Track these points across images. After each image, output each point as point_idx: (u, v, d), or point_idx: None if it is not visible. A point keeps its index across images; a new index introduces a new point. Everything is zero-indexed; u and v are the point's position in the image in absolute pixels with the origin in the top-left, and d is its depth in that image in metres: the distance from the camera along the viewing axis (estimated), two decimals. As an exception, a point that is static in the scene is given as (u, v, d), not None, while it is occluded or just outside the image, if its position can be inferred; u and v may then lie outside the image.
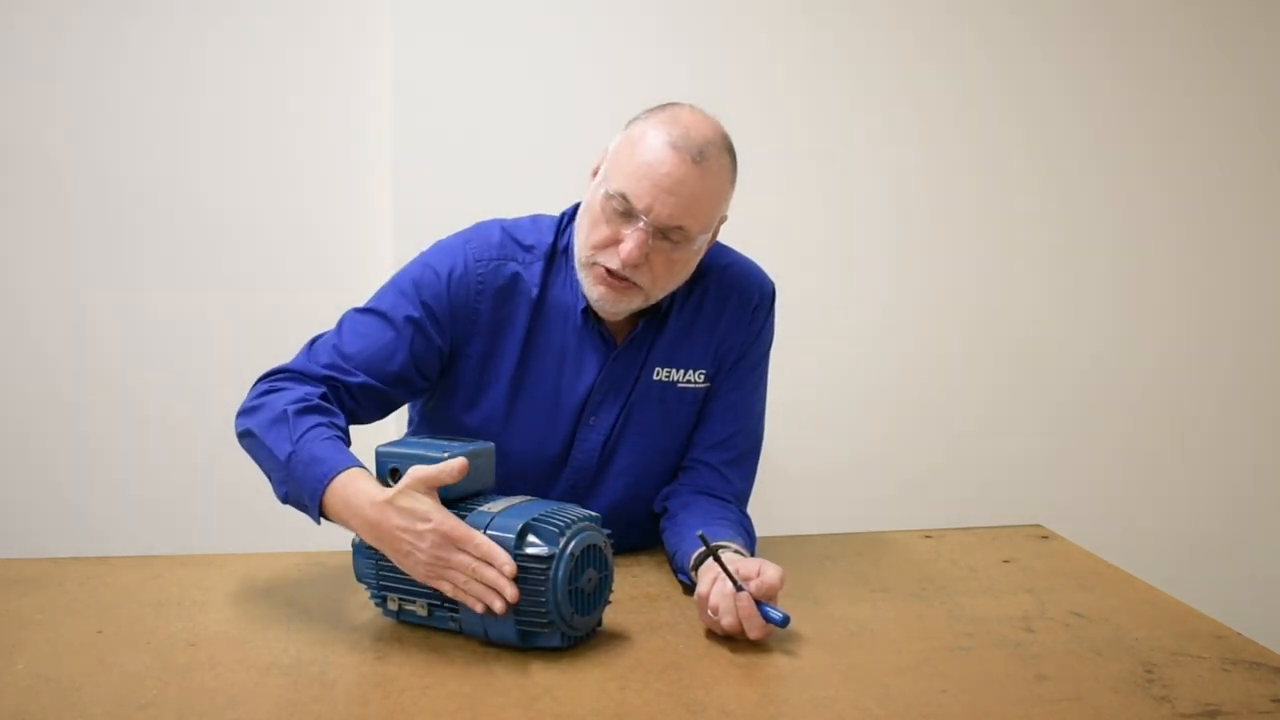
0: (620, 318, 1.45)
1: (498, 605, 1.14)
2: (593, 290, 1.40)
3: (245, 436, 1.34)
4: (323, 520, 1.25)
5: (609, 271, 1.37)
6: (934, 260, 2.36)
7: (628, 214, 1.34)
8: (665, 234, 1.35)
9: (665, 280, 1.40)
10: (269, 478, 1.31)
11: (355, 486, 1.21)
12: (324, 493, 1.22)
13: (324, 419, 1.30)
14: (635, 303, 1.41)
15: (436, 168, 2.15)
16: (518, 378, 1.46)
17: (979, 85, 2.33)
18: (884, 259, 2.34)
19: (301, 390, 1.34)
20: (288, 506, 1.30)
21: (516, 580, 1.15)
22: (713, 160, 1.35)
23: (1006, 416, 2.42)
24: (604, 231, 1.37)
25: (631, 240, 1.34)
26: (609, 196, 1.35)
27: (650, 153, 1.33)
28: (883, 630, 1.28)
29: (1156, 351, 2.46)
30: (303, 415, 1.29)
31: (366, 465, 1.26)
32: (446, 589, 1.17)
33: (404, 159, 2.14)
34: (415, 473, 1.18)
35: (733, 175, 1.41)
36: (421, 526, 1.15)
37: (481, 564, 1.14)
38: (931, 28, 2.30)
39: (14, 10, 2.08)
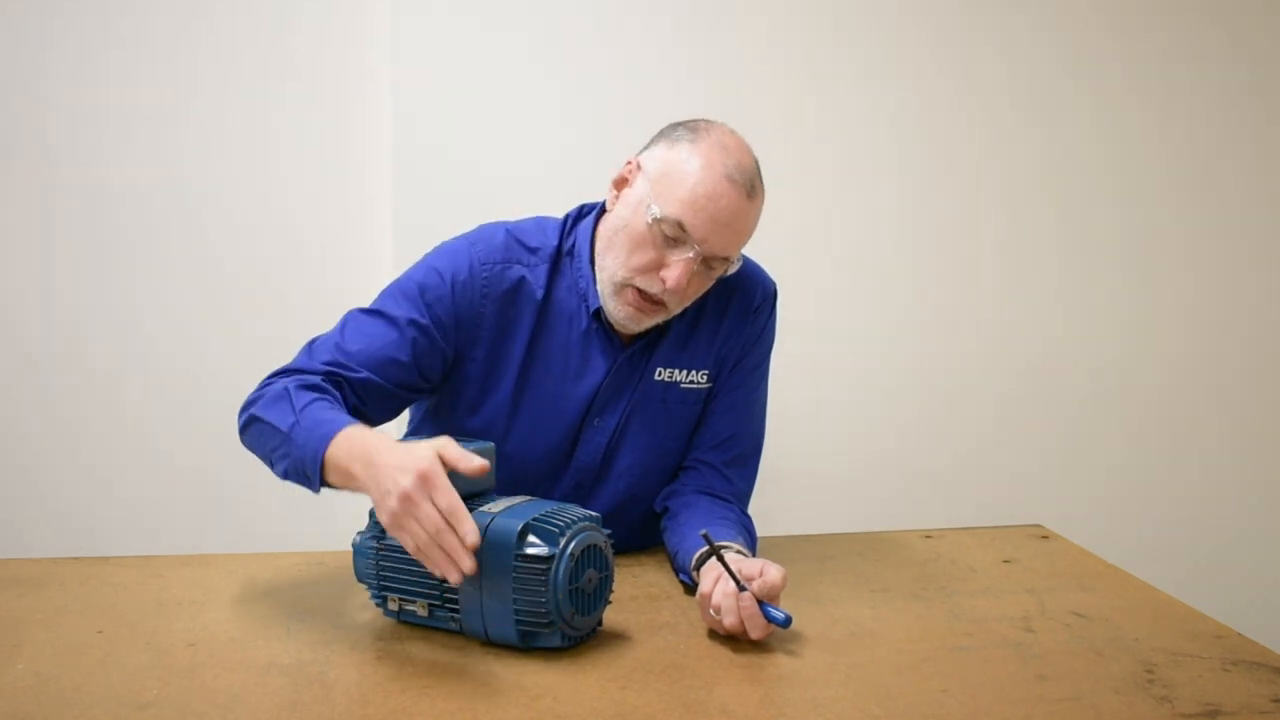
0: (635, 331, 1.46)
1: (453, 576, 1.10)
2: (620, 310, 1.40)
3: (248, 425, 1.31)
4: (321, 489, 1.21)
5: (642, 295, 1.38)
6: (936, 263, 2.36)
7: (678, 241, 1.35)
8: (710, 263, 1.37)
9: (690, 300, 1.42)
10: (269, 459, 1.28)
11: (362, 432, 1.19)
12: (329, 446, 1.18)
13: (327, 397, 1.29)
14: (657, 320, 1.42)
15: (436, 169, 2.14)
16: (522, 380, 1.45)
17: (992, 93, 2.33)
18: (887, 261, 2.34)
19: (301, 377, 1.33)
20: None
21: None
22: (759, 191, 1.38)
23: (1007, 418, 2.42)
24: (650, 255, 1.36)
25: (680, 268, 1.34)
26: (659, 221, 1.34)
27: (708, 185, 1.33)
28: (883, 630, 1.28)
29: (1157, 355, 2.46)
30: (304, 390, 1.28)
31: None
32: (408, 543, 1.11)
33: (404, 160, 2.14)
34: (437, 442, 1.14)
35: None
36: (409, 464, 1.11)
37: (446, 529, 1.09)
38: (946, 34, 2.30)
39: (5, 7, 2.08)
